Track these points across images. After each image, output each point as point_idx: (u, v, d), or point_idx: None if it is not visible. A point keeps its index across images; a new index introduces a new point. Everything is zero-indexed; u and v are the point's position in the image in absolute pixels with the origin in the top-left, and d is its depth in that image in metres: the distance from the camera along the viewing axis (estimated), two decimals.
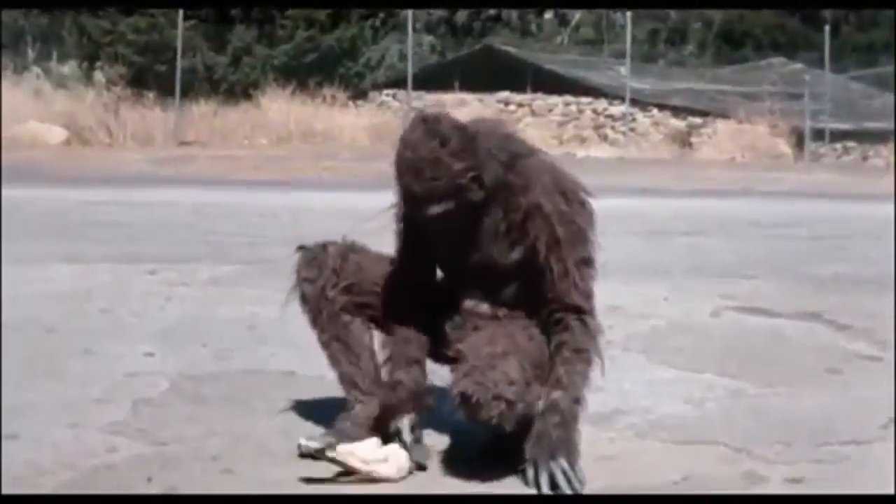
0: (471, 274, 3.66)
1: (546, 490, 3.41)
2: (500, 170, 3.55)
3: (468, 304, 3.70)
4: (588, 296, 3.63)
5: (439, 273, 3.84)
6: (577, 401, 3.55)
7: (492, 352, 3.49)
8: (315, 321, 3.81)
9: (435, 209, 3.47)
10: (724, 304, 6.78)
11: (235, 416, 4.22)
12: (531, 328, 3.61)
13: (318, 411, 4.18)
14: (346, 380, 3.81)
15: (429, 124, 3.48)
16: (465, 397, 3.41)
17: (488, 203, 3.56)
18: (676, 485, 3.55)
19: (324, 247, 3.83)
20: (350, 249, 3.82)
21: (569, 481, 3.41)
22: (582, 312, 3.60)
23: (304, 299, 3.81)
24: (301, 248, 3.87)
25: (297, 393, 4.50)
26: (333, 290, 3.76)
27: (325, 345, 3.82)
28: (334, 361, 3.82)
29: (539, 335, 3.61)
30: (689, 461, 3.79)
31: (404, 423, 3.61)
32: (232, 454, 3.77)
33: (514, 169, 3.58)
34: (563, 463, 3.44)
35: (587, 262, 3.63)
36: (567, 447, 3.48)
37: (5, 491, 3.34)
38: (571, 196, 3.61)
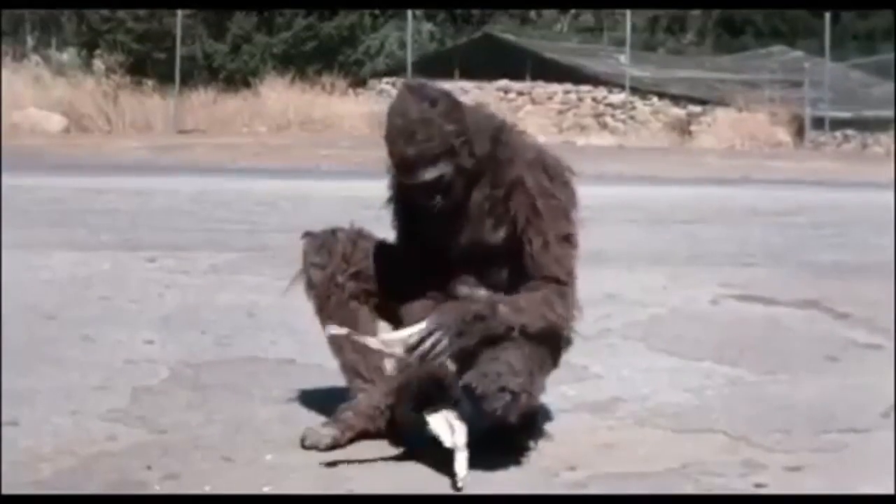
0: (463, 257, 3.64)
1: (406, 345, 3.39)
2: (487, 142, 3.56)
3: (464, 291, 3.67)
4: (569, 271, 3.58)
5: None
6: (513, 328, 3.47)
7: (495, 342, 3.47)
8: (322, 307, 3.77)
9: (429, 173, 3.46)
10: (723, 292, 6.78)
11: (235, 404, 4.23)
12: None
13: (317, 399, 4.18)
14: (348, 368, 3.77)
15: (416, 90, 3.50)
16: (469, 390, 3.41)
17: (477, 176, 3.56)
18: (675, 472, 3.56)
19: (333, 232, 3.80)
20: (359, 236, 3.80)
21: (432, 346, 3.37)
22: (561, 284, 3.56)
23: (312, 285, 3.77)
24: (308, 234, 3.84)
25: (296, 381, 4.50)
26: (343, 277, 3.74)
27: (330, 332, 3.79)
28: (338, 349, 3.77)
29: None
30: (689, 449, 3.80)
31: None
32: (231, 441, 3.77)
33: (499, 142, 3.59)
34: (446, 338, 3.38)
35: (568, 239, 3.59)
36: (466, 328, 3.42)
37: (5, 476, 3.35)
38: (554, 172, 3.60)
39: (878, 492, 3.39)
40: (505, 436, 3.62)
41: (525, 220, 3.54)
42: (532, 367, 3.50)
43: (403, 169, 3.50)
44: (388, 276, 3.74)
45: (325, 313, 3.76)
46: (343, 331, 3.48)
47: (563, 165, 3.65)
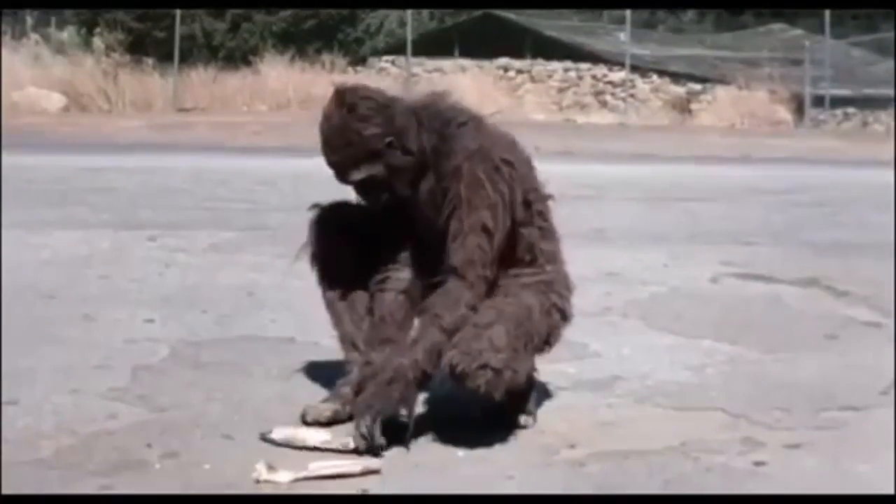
0: (437, 244, 3.66)
1: (351, 445, 3.43)
2: (431, 137, 3.60)
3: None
4: (470, 262, 3.55)
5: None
6: (413, 365, 3.48)
7: (478, 321, 3.50)
8: (323, 277, 3.84)
9: (356, 175, 3.59)
10: (723, 271, 6.78)
11: (235, 382, 4.23)
12: (519, 295, 3.61)
13: (317, 377, 4.19)
14: (346, 340, 3.82)
15: (340, 95, 3.59)
16: (451, 367, 3.44)
17: (423, 169, 3.62)
18: (675, 450, 3.56)
19: (338, 204, 3.86)
20: (362, 207, 3.81)
21: (365, 438, 3.41)
22: (456, 275, 3.55)
23: (315, 255, 3.84)
24: (315, 206, 3.88)
25: (296, 359, 4.50)
26: (346, 247, 3.79)
27: (330, 303, 3.84)
28: (337, 320, 3.83)
29: (528, 301, 3.61)
30: (688, 427, 3.80)
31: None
32: (231, 420, 3.78)
33: (445, 137, 3.62)
34: (366, 421, 3.41)
35: (484, 230, 3.56)
36: (380, 405, 3.45)
37: (6, 455, 3.35)
38: (492, 164, 3.58)
39: (877, 470, 3.40)
40: (497, 414, 3.64)
41: (452, 208, 3.58)
42: (517, 345, 3.52)
43: (333, 171, 3.63)
44: (380, 243, 3.77)
45: (326, 283, 3.83)
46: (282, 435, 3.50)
47: (513, 157, 3.65)
